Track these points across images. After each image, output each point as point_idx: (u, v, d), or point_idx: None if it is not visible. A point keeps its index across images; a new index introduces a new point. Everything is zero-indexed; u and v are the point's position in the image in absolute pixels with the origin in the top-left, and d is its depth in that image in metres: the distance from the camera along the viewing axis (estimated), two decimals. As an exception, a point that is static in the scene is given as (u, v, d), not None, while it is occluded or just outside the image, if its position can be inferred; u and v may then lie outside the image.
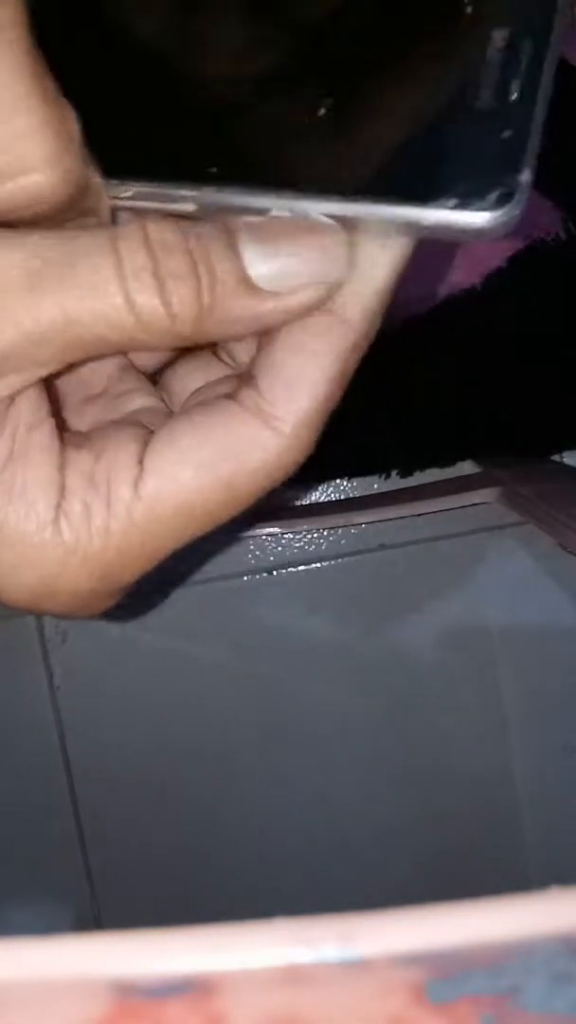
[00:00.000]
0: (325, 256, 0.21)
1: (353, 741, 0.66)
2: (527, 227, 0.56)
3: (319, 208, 0.21)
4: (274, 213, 0.21)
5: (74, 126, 0.19)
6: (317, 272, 0.21)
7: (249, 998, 0.11)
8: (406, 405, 0.60)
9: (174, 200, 0.22)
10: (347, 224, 0.22)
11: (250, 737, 0.66)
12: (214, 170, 0.21)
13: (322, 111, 0.21)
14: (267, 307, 0.21)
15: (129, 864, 0.67)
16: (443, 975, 0.11)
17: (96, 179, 0.21)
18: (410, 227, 0.22)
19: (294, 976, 0.11)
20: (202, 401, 0.24)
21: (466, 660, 0.64)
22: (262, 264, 0.21)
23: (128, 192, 0.22)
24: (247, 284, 0.21)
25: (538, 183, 0.59)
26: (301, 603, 0.65)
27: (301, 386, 0.23)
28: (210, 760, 0.66)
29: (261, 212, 0.21)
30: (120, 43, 0.22)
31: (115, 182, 0.22)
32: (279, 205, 0.21)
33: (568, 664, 0.63)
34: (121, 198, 0.22)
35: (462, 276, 0.57)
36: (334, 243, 0.21)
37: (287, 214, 0.21)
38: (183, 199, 0.22)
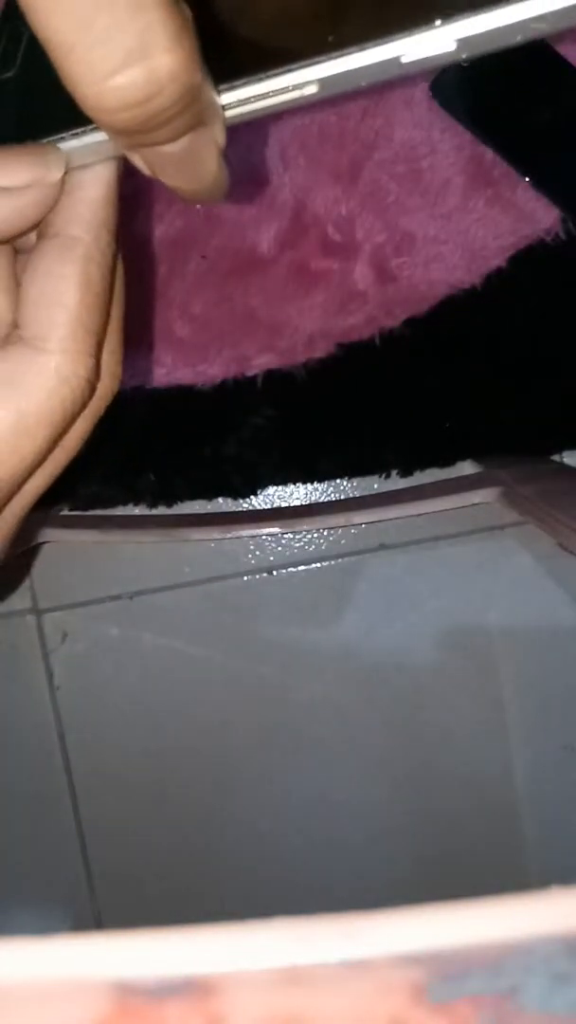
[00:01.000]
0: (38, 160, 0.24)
1: (353, 741, 0.66)
2: (527, 227, 0.56)
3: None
4: (405, 61, 0.20)
5: (190, 22, 0.20)
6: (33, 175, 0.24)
7: (249, 998, 0.11)
8: (406, 405, 0.60)
9: (297, 87, 0.21)
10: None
11: (250, 737, 0.66)
12: (331, 38, 0.21)
13: None
14: None
15: (129, 864, 0.67)
16: (443, 975, 0.11)
17: (209, 88, 0.21)
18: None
19: (294, 976, 0.11)
20: None
21: (466, 660, 0.64)
22: None
23: (245, 94, 0.22)
24: None
25: (538, 183, 0.59)
26: (301, 603, 0.65)
27: (49, 302, 0.24)
28: (210, 760, 0.66)
29: (386, 67, 0.21)
30: None
31: (226, 87, 0.22)
32: (404, 47, 0.20)
33: (568, 664, 0.64)
34: (236, 104, 0.22)
35: (462, 276, 0.57)
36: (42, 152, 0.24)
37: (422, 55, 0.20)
38: (308, 83, 0.21)
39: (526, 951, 0.11)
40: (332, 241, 0.57)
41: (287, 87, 0.21)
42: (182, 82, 0.20)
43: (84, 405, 0.26)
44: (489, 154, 0.55)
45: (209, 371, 0.59)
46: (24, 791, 0.67)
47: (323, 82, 0.21)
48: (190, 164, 0.22)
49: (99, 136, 0.23)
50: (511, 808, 0.65)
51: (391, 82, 0.21)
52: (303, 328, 0.58)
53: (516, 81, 0.53)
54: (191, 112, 0.21)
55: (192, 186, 0.24)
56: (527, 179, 0.55)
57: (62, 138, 0.23)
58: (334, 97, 0.22)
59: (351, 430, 0.61)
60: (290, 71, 0.21)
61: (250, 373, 0.59)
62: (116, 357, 0.28)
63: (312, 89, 0.21)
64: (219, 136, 0.22)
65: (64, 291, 0.24)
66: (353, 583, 0.65)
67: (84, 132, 0.23)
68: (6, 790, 0.67)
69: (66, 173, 0.24)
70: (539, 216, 0.56)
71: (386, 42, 0.20)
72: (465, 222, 0.56)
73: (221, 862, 0.67)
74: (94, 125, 0.23)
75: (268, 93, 0.22)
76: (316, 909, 0.12)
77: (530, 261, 0.57)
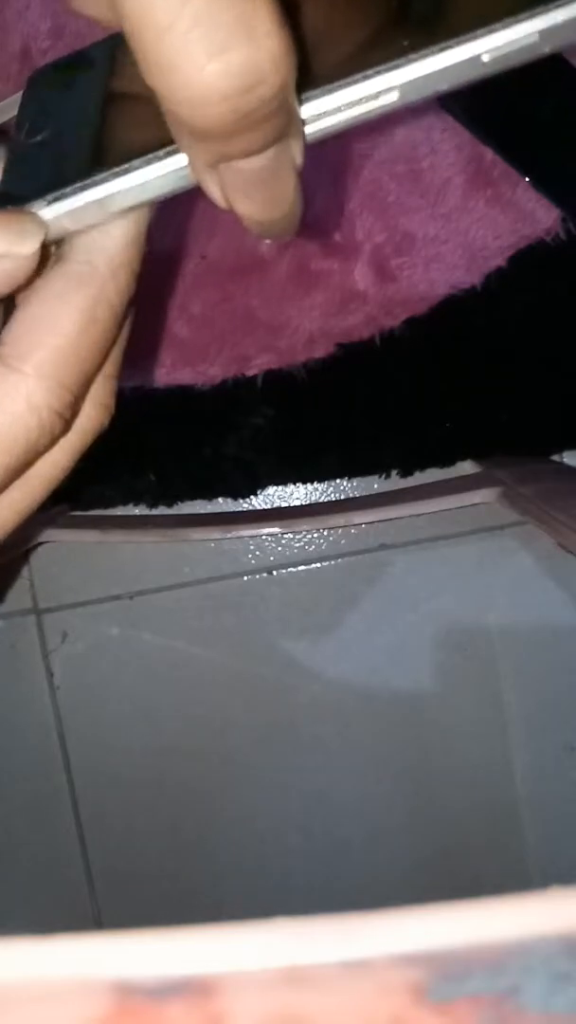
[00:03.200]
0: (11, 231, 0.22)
1: (353, 741, 0.66)
2: (527, 227, 0.56)
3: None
4: (487, 59, 0.20)
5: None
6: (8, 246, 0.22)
7: (249, 998, 0.11)
8: (406, 405, 0.60)
9: (376, 95, 0.20)
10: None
11: (250, 737, 0.66)
12: (406, 42, 0.20)
13: None
14: None
15: (129, 864, 0.67)
16: (443, 975, 0.11)
17: (294, 94, 0.20)
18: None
19: (294, 976, 0.11)
20: None
21: (466, 660, 0.64)
22: None
23: (321, 107, 0.21)
24: None
25: (538, 183, 0.59)
26: (301, 603, 0.65)
27: (41, 324, 0.23)
28: (210, 760, 0.66)
29: (468, 67, 0.20)
30: None
31: (302, 98, 0.20)
32: (484, 45, 0.20)
33: (568, 664, 0.64)
34: (313, 119, 0.21)
35: (462, 276, 0.57)
36: (21, 220, 0.23)
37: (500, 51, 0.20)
38: (386, 91, 0.20)
39: (526, 951, 0.11)
40: (332, 241, 0.57)
41: (366, 96, 0.20)
42: (283, 73, 0.18)
43: (52, 441, 0.24)
44: (489, 154, 0.55)
45: (209, 371, 0.59)
46: (24, 791, 0.67)
47: (403, 88, 0.20)
48: (269, 185, 0.21)
49: (139, 177, 0.22)
50: (511, 808, 0.65)
51: (472, 84, 0.21)
52: (303, 328, 0.58)
53: (516, 81, 0.53)
54: (283, 114, 0.19)
55: (267, 214, 0.22)
56: (527, 179, 0.55)
57: (101, 179, 0.22)
58: (411, 106, 0.21)
59: (351, 430, 0.61)
60: (368, 78, 0.20)
61: (250, 373, 0.59)
62: (109, 387, 0.26)
63: (392, 97, 0.20)
64: (297, 154, 0.21)
65: (62, 316, 0.23)
66: (353, 583, 0.65)
67: (124, 172, 0.22)
68: (6, 790, 0.67)
69: (54, 242, 0.23)
70: (539, 216, 0.56)
71: (467, 41, 0.20)
72: (465, 222, 0.56)
73: (221, 862, 0.67)
74: (129, 167, 0.22)
75: (346, 104, 0.20)
76: (316, 909, 0.12)
77: (530, 261, 0.57)
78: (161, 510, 0.63)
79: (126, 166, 0.22)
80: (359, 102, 0.20)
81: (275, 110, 0.19)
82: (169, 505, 0.63)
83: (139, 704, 0.66)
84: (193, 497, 0.63)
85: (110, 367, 0.26)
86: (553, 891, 0.12)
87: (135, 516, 0.63)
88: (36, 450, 0.23)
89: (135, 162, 0.22)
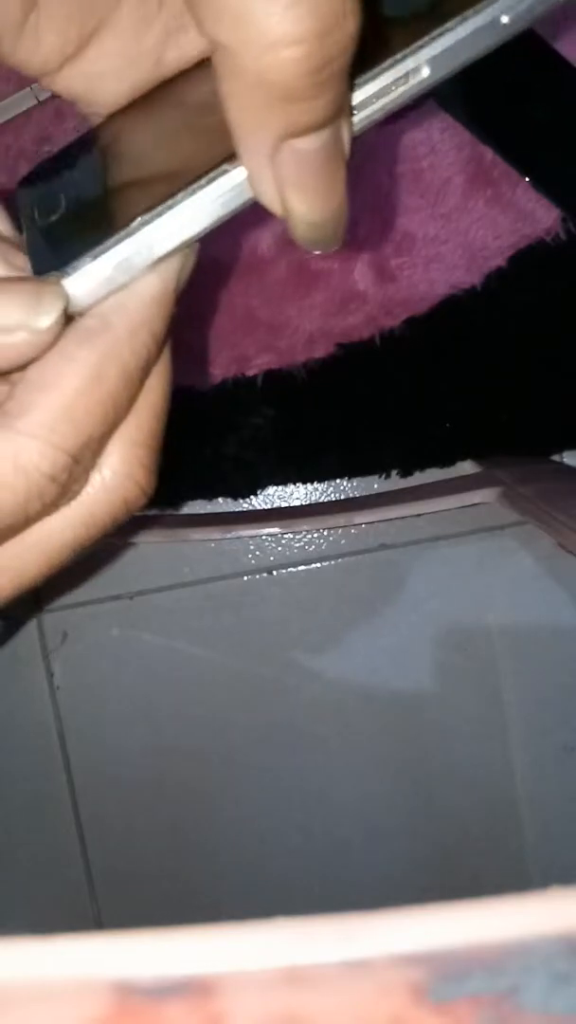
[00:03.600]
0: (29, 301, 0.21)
1: (353, 741, 0.66)
2: (527, 227, 0.56)
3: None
4: (505, 20, 0.21)
5: None
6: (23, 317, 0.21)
7: (249, 998, 0.11)
8: (406, 405, 0.60)
9: (407, 76, 0.21)
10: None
11: (250, 737, 0.66)
12: (426, 24, 0.21)
13: None
14: None
15: (129, 864, 0.67)
16: (443, 975, 0.11)
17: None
18: None
19: (294, 976, 0.11)
20: None
21: (466, 660, 0.64)
22: None
23: (363, 94, 0.21)
24: None
25: (538, 183, 0.59)
26: (301, 603, 0.65)
27: (42, 381, 0.21)
28: (210, 760, 0.66)
29: (489, 32, 0.21)
30: None
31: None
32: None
33: (568, 664, 0.64)
34: (357, 107, 0.21)
35: (462, 276, 0.57)
36: (37, 291, 0.21)
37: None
38: (415, 70, 0.21)
39: (526, 951, 0.11)
40: (332, 241, 0.57)
41: (399, 78, 0.21)
42: (353, 22, 0.18)
43: (44, 507, 0.22)
44: (489, 154, 0.55)
45: (209, 371, 0.59)
46: (24, 791, 0.67)
47: (433, 62, 0.21)
48: (324, 174, 0.20)
49: (172, 218, 0.22)
50: (511, 808, 0.65)
51: (496, 49, 0.22)
52: (303, 328, 0.58)
53: (516, 81, 0.53)
54: (344, 81, 0.19)
55: (320, 210, 0.21)
56: (527, 179, 0.55)
57: (127, 232, 0.22)
58: (442, 80, 0.22)
59: (351, 430, 0.61)
60: (397, 62, 0.21)
61: (250, 373, 0.59)
62: (136, 456, 0.24)
63: (424, 73, 0.21)
64: (347, 142, 0.21)
65: (64, 374, 0.21)
66: (353, 583, 0.65)
67: (155, 216, 0.22)
68: (6, 790, 0.67)
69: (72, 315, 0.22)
70: (539, 216, 0.56)
71: (483, 8, 0.21)
72: (465, 222, 0.56)
73: (221, 862, 0.67)
74: (159, 210, 0.22)
75: (384, 89, 0.21)
76: (316, 909, 0.12)
77: (530, 261, 0.57)
78: (161, 510, 0.63)
79: (157, 209, 0.22)
80: (394, 85, 0.22)
81: (342, 69, 0.19)
82: (169, 505, 0.63)
83: (139, 704, 0.66)
84: (193, 497, 0.63)
85: (136, 432, 0.24)
86: (553, 891, 0.12)
87: (135, 516, 0.63)
88: (24, 515, 0.22)
89: (162, 206, 0.22)
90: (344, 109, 0.20)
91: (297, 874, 0.66)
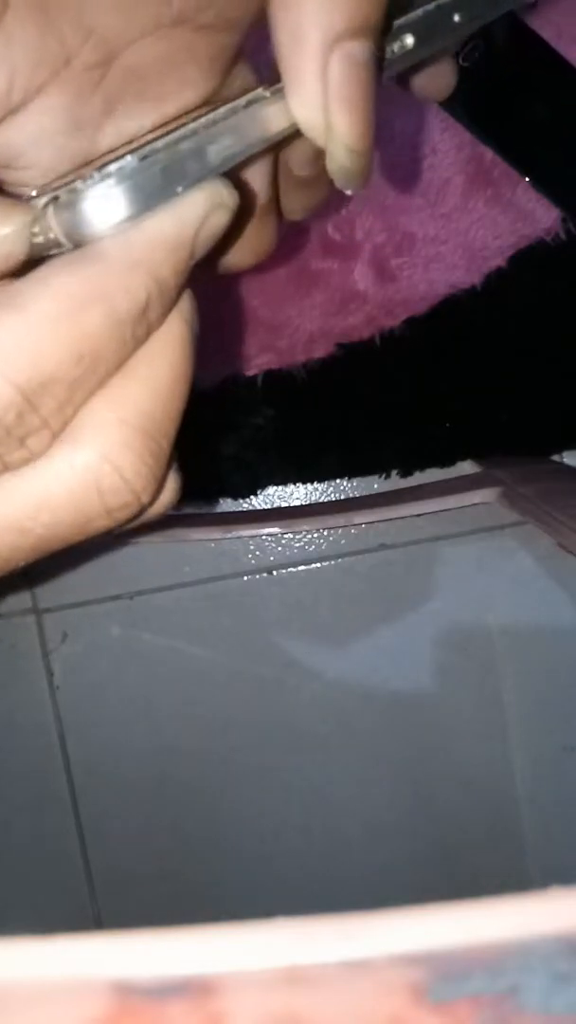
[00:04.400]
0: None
1: (353, 741, 0.66)
2: (527, 227, 0.56)
3: None
4: None
5: None
6: None
7: (249, 998, 0.11)
8: (406, 405, 0.60)
9: (395, 44, 0.22)
10: None
11: (250, 737, 0.66)
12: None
13: None
14: None
15: (129, 864, 0.67)
16: (443, 975, 0.11)
17: None
18: None
19: (294, 976, 0.11)
20: None
21: (466, 660, 0.64)
22: None
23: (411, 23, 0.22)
24: None
25: (538, 183, 0.59)
26: (301, 603, 0.65)
27: (15, 307, 0.18)
28: (210, 760, 0.66)
29: None
30: None
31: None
32: None
33: (568, 664, 0.64)
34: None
35: (462, 276, 0.57)
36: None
37: None
38: (402, 36, 0.22)
39: (526, 951, 0.11)
40: (332, 241, 0.57)
41: (389, 49, 0.22)
42: None
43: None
44: (489, 154, 0.55)
45: (209, 371, 0.59)
46: (24, 791, 0.67)
47: (416, 30, 0.22)
48: (369, 91, 0.20)
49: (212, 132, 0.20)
50: (511, 808, 0.65)
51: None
52: (303, 328, 0.58)
53: (516, 81, 0.53)
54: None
55: (360, 133, 0.20)
56: (527, 179, 0.55)
57: (141, 154, 0.19)
58: (431, 49, 0.22)
59: (351, 430, 0.61)
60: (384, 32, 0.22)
61: (250, 373, 0.59)
62: (130, 447, 0.20)
63: (409, 40, 0.22)
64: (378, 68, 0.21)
65: (35, 298, 0.18)
66: (353, 583, 0.65)
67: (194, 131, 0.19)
68: (6, 790, 0.67)
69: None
70: (539, 216, 0.56)
71: None
72: (465, 222, 0.56)
73: (221, 862, 0.67)
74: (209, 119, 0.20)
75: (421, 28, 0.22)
76: (316, 909, 0.12)
77: (530, 261, 0.57)
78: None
79: (177, 134, 0.19)
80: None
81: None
82: (169, 505, 0.63)
83: (139, 704, 0.66)
84: (193, 497, 0.63)
85: (122, 406, 0.20)
86: (553, 891, 0.12)
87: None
88: None
89: (183, 130, 0.19)
90: (384, 24, 0.20)
91: (297, 874, 0.66)
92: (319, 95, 0.19)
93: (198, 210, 0.19)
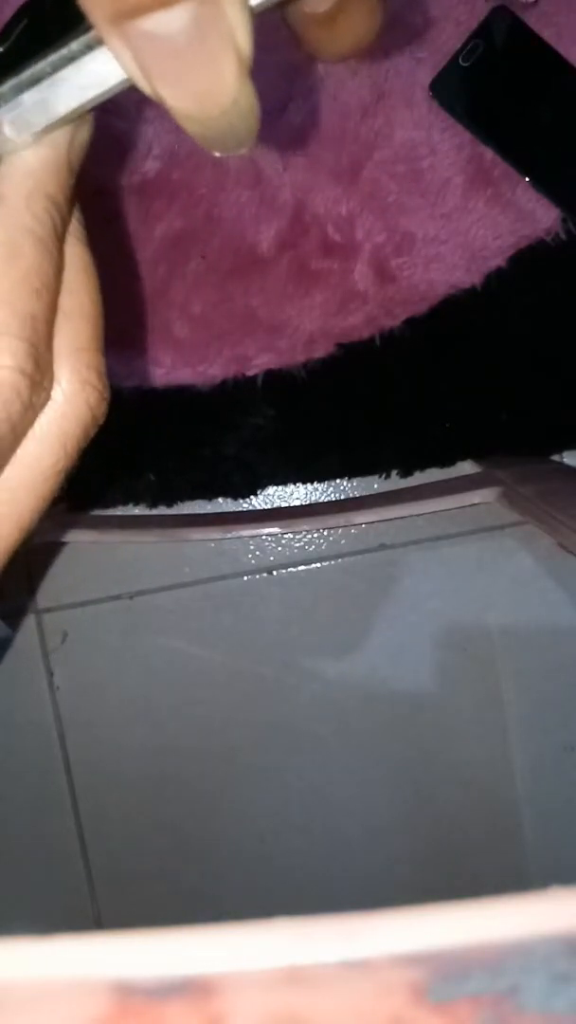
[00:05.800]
0: None
1: (353, 741, 0.66)
2: (527, 227, 0.56)
3: None
4: None
5: None
6: None
7: (249, 998, 0.11)
8: (406, 405, 0.60)
9: None
10: None
11: (250, 737, 0.66)
12: None
13: None
14: None
15: (129, 864, 0.67)
16: (443, 975, 0.11)
17: None
18: None
19: (294, 976, 0.11)
20: None
21: (466, 660, 0.64)
22: None
23: None
24: None
25: (538, 183, 0.59)
26: (301, 603, 0.65)
27: None
28: (210, 760, 0.66)
29: None
30: None
31: None
32: None
33: (568, 664, 0.64)
34: None
35: (462, 276, 0.57)
36: None
37: None
38: None
39: (526, 951, 0.11)
40: (332, 241, 0.57)
41: None
42: None
43: (25, 411, 0.21)
44: (489, 154, 0.55)
45: (209, 371, 0.59)
46: (24, 791, 0.67)
47: None
48: (195, 65, 0.17)
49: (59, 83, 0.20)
50: (511, 808, 0.65)
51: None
52: (303, 328, 0.58)
53: (516, 81, 0.53)
54: None
55: (195, 106, 0.18)
56: (527, 179, 0.55)
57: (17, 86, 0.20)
58: None
59: (351, 430, 0.61)
60: None
61: (250, 373, 0.59)
62: (86, 361, 0.23)
63: None
64: (239, 26, 0.17)
65: None
66: (353, 583, 0.65)
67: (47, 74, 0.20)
68: (6, 790, 0.67)
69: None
70: (539, 216, 0.56)
71: None
72: (465, 222, 0.56)
73: (221, 862, 0.67)
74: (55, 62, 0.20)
75: None
76: (316, 909, 0.12)
77: (530, 261, 0.57)
78: (161, 510, 0.63)
79: (36, 68, 0.20)
80: None
81: None
82: (169, 505, 0.63)
83: (139, 704, 0.66)
84: (193, 497, 0.63)
85: (75, 337, 0.23)
86: (553, 891, 0.12)
87: (134, 516, 0.63)
88: (8, 422, 0.21)
89: (39, 67, 0.20)
90: None
91: (297, 874, 0.66)
92: (136, 70, 0.18)
93: (64, 134, 0.21)
